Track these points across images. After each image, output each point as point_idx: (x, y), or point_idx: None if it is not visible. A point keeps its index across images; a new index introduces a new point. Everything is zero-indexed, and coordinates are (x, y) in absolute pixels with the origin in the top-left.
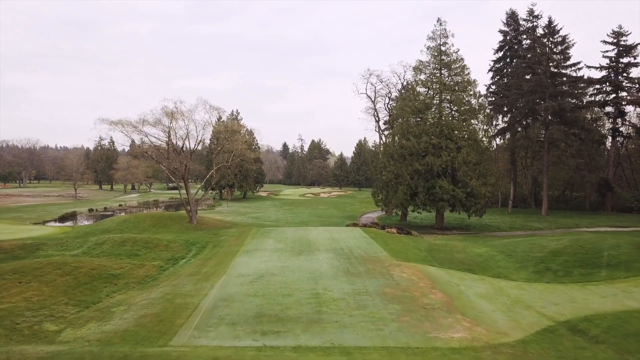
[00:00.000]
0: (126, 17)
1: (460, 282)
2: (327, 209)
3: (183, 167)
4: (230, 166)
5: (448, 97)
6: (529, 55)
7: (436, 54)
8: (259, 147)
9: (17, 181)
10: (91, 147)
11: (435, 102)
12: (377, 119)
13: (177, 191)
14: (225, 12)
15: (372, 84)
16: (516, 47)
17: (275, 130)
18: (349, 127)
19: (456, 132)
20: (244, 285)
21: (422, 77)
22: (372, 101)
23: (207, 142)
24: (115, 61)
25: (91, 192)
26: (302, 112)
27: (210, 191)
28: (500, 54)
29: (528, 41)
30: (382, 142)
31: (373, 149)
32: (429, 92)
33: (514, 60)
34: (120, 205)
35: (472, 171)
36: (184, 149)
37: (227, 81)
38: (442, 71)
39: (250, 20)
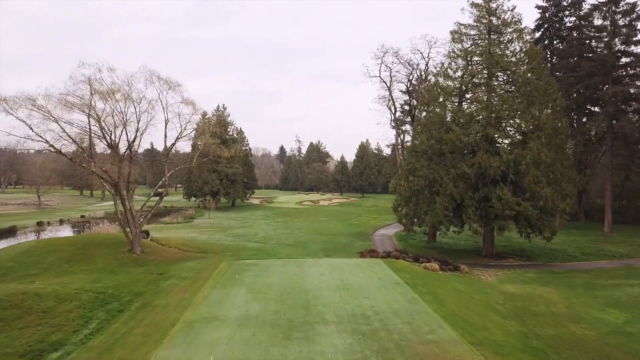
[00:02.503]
0: (125, 20)
1: None
2: (330, 222)
3: (116, 172)
4: (193, 168)
5: (501, 73)
6: (574, 34)
7: (483, 13)
8: (249, 147)
9: None
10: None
11: (482, 79)
12: (393, 109)
13: (166, 197)
14: (223, 16)
15: (387, 65)
16: (557, 25)
17: (273, 133)
18: (349, 129)
19: (517, 120)
20: None
21: (463, 45)
22: (388, 87)
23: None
24: (115, 64)
25: (66, 198)
26: (300, 115)
27: (193, 199)
28: (538, 34)
29: (572, 18)
30: (400, 139)
31: (376, 151)
32: (472, 66)
33: (554, 42)
34: (82, 216)
35: (545, 176)
36: (114, 143)
37: (226, 82)
38: (492, 37)
39: (249, 24)
